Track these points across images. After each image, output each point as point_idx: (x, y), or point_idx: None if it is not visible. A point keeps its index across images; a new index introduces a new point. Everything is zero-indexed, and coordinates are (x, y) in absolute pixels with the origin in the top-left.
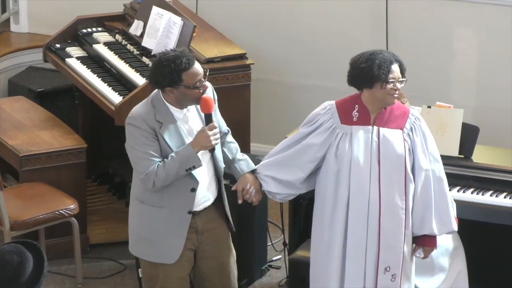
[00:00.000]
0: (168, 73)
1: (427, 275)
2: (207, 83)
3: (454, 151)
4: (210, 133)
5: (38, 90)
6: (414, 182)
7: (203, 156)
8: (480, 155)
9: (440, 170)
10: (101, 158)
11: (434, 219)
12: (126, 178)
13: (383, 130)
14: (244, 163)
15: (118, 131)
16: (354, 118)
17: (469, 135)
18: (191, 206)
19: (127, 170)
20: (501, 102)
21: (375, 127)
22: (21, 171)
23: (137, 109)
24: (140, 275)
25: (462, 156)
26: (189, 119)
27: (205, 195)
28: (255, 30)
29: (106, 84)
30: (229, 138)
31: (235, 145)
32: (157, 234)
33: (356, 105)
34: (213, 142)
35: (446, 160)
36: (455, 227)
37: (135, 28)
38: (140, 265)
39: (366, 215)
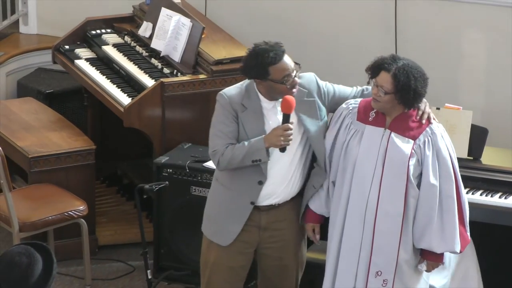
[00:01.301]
0: (255, 66)
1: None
2: (300, 79)
3: (463, 153)
4: (282, 132)
5: (47, 91)
6: (419, 194)
7: (293, 156)
8: (489, 157)
9: (452, 189)
10: (109, 160)
11: (435, 235)
12: (135, 179)
13: (394, 135)
14: None
15: (127, 132)
16: (370, 118)
17: (478, 137)
18: (255, 198)
19: (135, 172)
20: (510, 104)
21: (387, 131)
22: (30, 173)
23: (229, 88)
24: (149, 276)
25: (471, 158)
26: (278, 112)
27: (273, 192)
28: (264, 32)
29: (115, 85)
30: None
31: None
32: (218, 213)
33: None
34: (282, 142)
35: None
36: (457, 248)
37: (144, 29)
38: (201, 249)
39: (363, 217)
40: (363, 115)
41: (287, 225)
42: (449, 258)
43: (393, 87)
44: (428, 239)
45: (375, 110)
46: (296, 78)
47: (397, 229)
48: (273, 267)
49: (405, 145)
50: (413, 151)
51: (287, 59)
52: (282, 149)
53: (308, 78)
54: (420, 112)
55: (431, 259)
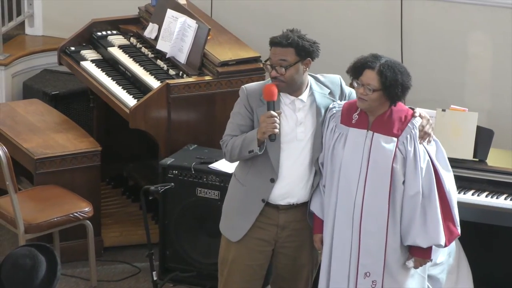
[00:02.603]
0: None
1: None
2: (323, 78)
3: (468, 155)
4: (264, 119)
5: (53, 93)
6: (403, 194)
7: (303, 149)
8: (495, 158)
9: (432, 184)
10: (115, 161)
11: (419, 230)
12: (140, 181)
13: (378, 136)
14: None
15: (132, 134)
16: (353, 120)
17: (484, 139)
18: (266, 195)
19: (141, 173)
20: None
21: (370, 132)
22: (36, 174)
23: (252, 83)
24: (155, 278)
25: (477, 159)
26: (296, 109)
27: (291, 191)
28: (269, 33)
29: (121, 87)
30: None
31: None
32: (231, 208)
33: (358, 108)
34: (265, 129)
35: (460, 163)
36: (442, 241)
37: (150, 31)
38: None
39: (351, 219)
40: (346, 117)
41: (306, 225)
42: (448, 254)
43: (380, 84)
44: (412, 234)
45: (357, 112)
46: (274, 72)
47: (382, 229)
48: (288, 266)
49: (388, 145)
50: (397, 149)
51: (281, 51)
52: (270, 138)
53: (332, 79)
54: (422, 133)
55: (418, 255)
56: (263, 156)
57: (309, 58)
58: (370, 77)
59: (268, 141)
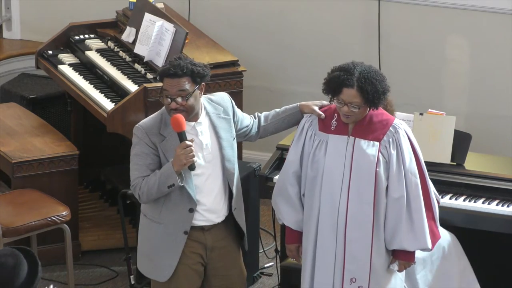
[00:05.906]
0: (162, 67)
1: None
2: (213, 96)
3: (446, 159)
4: (181, 151)
5: (31, 96)
6: (388, 195)
7: (214, 169)
8: (472, 162)
9: (417, 186)
10: (93, 165)
11: (406, 235)
12: (118, 185)
13: (359, 141)
14: (277, 110)
15: (110, 138)
16: (332, 127)
17: (461, 142)
18: (187, 227)
19: (118, 177)
20: (494, 109)
21: (352, 138)
22: (13, 178)
23: (145, 120)
24: (132, 282)
25: (454, 163)
26: (199, 133)
27: (215, 210)
28: (247, 37)
29: (98, 91)
30: (262, 119)
31: (263, 116)
32: (152, 249)
33: (335, 114)
34: (185, 161)
35: (438, 167)
36: (429, 244)
37: (127, 35)
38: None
39: (335, 225)
40: (324, 124)
41: (228, 242)
42: (430, 254)
43: (363, 99)
44: (399, 239)
45: (335, 119)
46: (174, 104)
47: (368, 235)
48: (222, 286)
49: (371, 149)
50: (379, 153)
51: (178, 82)
52: (190, 167)
53: (222, 96)
54: None
55: (403, 258)
56: (177, 188)
57: (203, 83)
58: (351, 95)
59: (186, 171)
